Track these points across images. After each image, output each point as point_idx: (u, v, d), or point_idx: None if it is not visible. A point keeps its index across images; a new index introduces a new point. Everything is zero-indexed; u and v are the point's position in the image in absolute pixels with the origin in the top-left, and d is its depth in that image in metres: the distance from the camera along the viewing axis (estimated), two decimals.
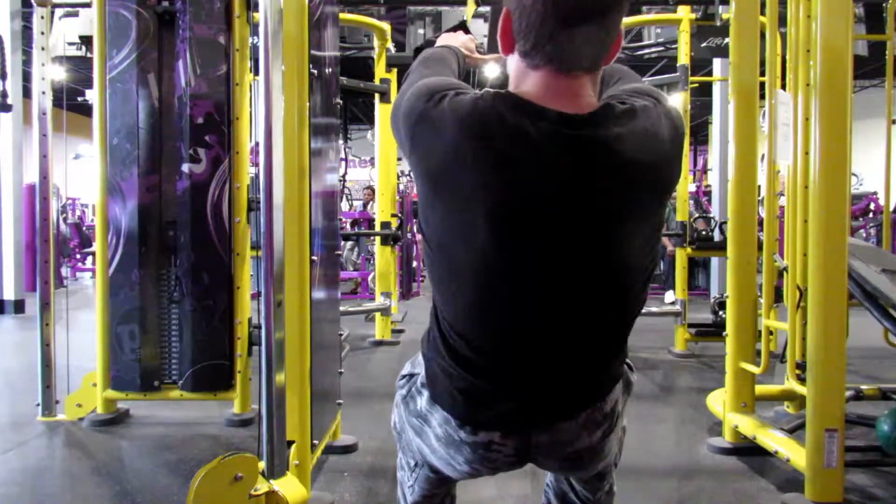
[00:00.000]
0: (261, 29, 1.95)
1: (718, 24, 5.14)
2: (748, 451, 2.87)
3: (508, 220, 0.96)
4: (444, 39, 1.37)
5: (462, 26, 1.44)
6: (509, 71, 1.06)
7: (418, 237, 9.10)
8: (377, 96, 5.70)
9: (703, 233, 7.34)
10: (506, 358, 1.04)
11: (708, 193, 10.41)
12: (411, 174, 1.05)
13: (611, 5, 0.95)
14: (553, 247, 0.98)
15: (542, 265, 0.98)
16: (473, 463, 1.10)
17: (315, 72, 2.39)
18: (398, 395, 1.20)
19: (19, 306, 7.45)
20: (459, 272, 1.02)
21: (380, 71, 5.63)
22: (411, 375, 1.17)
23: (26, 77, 6.03)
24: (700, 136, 16.44)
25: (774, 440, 2.67)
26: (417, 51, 1.30)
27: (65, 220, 11.25)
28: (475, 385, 1.04)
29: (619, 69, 1.21)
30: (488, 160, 0.95)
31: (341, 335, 3.05)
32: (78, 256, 11.62)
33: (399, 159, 7.11)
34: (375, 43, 5.70)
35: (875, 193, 9.19)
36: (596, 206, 0.97)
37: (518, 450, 1.08)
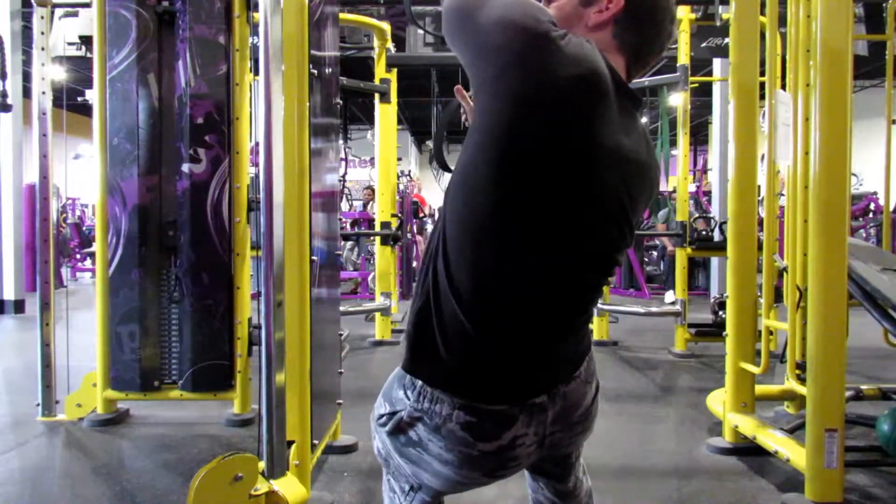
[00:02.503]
0: (261, 29, 1.95)
1: (718, 24, 5.14)
2: (748, 451, 2.87)
3: (587, 181, 0.98)
4: None
5: None
6: (577, 19, 1.06)
7: (416, 234, 9.11)
8: (377, 96, 5.70)
9: (703, 233, 7.34)
10: (535, 324, 1.04)
11: (708, 193, 10.40)
12: (485, 85, 0.94)
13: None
14: (601, 220, 1.02)
15: (585, 233, 1.02)
16: (497, 471, 1.08)
17: (315, 72, 2.39)
18: (380, 430, 1.14)
19: (19, 306, 7.46)
20: (521, 205, 0.96)
21: (380, 71, 5.63)
22: (392, 414, 1.10)
23: (26, 77, 6.02)
24: (700, 136, 16.43)
25: (774, 440, 2.67)
26: None
27: (64, 219, 11.25)
28: (508, 356, 1.03)
29: None
30: (596, 123, 0.96)
31: (341, 335, 3.05)
32: (78, 256, 11.62)
33: (399, 159, 7.10)
34: (375, 43, 5.70)
35: (875, 193, 9.19)
36: (642, 192, 1.08)
37: (538, 434, 1.08)
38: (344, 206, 9.08)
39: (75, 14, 6.63)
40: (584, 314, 1.12)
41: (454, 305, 1.01)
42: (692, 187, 10.00)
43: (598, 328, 5.58)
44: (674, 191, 7.41)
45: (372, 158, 8.50)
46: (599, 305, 5.47)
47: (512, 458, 1.06)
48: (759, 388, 3.11)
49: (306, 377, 2.29)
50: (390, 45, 5.75)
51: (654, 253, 10.46)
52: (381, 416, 1.13)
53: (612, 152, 0.98)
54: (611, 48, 1.04)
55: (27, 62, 6.53)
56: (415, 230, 8.91)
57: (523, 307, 1.02)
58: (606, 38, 1.05)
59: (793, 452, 2.53)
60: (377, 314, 5.76)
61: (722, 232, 6.97)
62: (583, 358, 1.15)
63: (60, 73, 6.16)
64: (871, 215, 9.18)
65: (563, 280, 1.03)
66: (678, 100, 5.29)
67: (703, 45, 5.32)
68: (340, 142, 5.71)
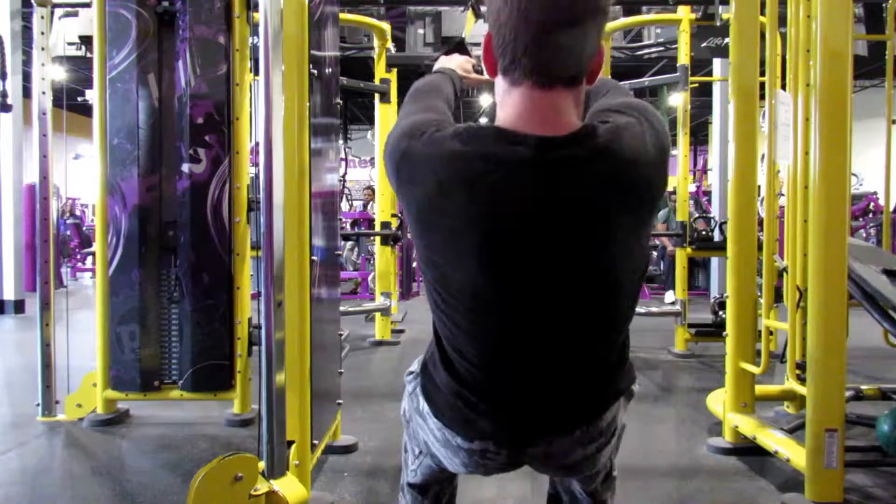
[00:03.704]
0: (261, 29, 1.95)
1: (718, 24, 5.13)
2: (748, 451, 2.87)
3: (493, 249, 1.00)
4: (441, 63, 1.39)
5: (459, 47, 1.42)
6: (496, 95, 1.05)
7: None
8: (377, 96, 5.70)
9: (703, 233, 7.33)
10: (499, 376, 1.08)
11: (708, 193, 10.40)
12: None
13: (583, 16, 0.94)
14: (537, 270, 1.01)
15: (528, 288, 1.02)
16: (469, 466, 1.16)
17: (315, 72, 2.39)
18: (406, 388, 1.26)
19: (19, 306, 7.45)
20: (451, 294, 1.06)
21: (380, 71, 5.63)
22: (418, 374, 1.21)
23: (26, 77, 6.01)
24: (700, 136, 16.43)
25: (774, 440, 2.67)
26: (419, 75, 1.31)
27: (65, 220, 11.25)
28: (470, 401, 1.09)
29: (608, 83, 1.26)
30: (469, 195, 0.98)
31: (341, 335, 3.05)
32: (78, 256, 11.62)
33: None
34: (375, 43, 5.69)
35: (875, 193, 9.19)
36: (574, 228, 0.99)
37: (511, 457, 1.13)
38: (344, 206, 9.08)
39: (75, 14, 6.64)
40: (574, 377, 1.08)
41: (438, 354, 1.14)
42: (692, 187, 10.00)
43: None
44: (674, 191, 7.40)
45: (372, 158, 8.51)
46: None
47: (483, 464, 1.14)
48: (759, 388, 3.10)
49: (306, 377, 2.29)
50: (390, 45, 5.75)
51: (654, 253, 10.46)
52: (410, 372, 1.25)
53: (497, 214, 0.98)
54: (509, 92, 1.01)
55: (27, 62, 6.52)
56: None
57: (485, 371, 1.08)
58: (504, 86, 1.01)
59: (793, 452, 2.53)
60: (377, 314, 5.76)
61: (722, 232, 6.97)
62: (584, 419, 1.09)
63: (60, 73, 6.16)
64: (871, 215, 9.17)
65: (501, 339, 1.06)
66: (678, 100, 5.29)
67: (703, 45, 5.32)
68: (340, 142, 5.71)
